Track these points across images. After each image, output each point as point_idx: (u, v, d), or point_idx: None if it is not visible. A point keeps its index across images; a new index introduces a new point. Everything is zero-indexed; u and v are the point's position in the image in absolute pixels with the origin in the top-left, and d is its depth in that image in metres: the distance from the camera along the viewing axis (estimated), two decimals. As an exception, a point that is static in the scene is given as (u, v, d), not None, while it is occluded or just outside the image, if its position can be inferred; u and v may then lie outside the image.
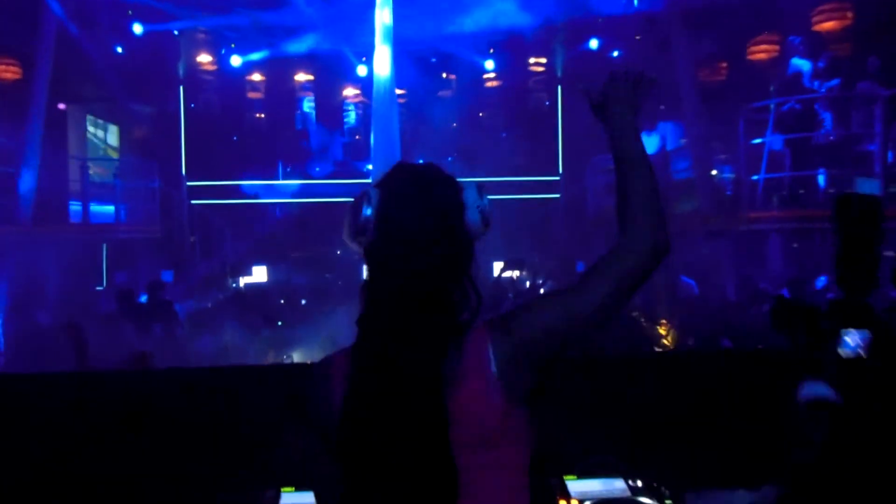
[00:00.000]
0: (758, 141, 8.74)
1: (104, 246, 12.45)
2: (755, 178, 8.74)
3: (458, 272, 1.37)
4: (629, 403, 2.79)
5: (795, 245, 9.65)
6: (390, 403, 1.28)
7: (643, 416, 2.72)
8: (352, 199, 1.37)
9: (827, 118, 8.41)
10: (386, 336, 1.32)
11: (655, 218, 1.38)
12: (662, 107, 12.16)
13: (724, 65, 12.18)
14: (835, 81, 8.44)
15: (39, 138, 9.44)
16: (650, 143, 11.79)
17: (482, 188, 1.41)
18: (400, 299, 1.33)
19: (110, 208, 12.47)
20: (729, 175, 11.28)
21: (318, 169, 15.00)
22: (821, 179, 8.52)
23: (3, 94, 10.43)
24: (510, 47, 12.89)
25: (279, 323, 8.54)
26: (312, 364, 1.44)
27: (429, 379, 1.28)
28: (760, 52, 11.02)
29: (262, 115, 15.05)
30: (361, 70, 13.33)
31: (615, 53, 12.93)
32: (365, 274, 1.41)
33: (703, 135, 10.27)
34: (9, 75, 10.88)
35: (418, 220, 1.35)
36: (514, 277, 10.30)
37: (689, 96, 10.16)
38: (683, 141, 11.70)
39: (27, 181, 9.38)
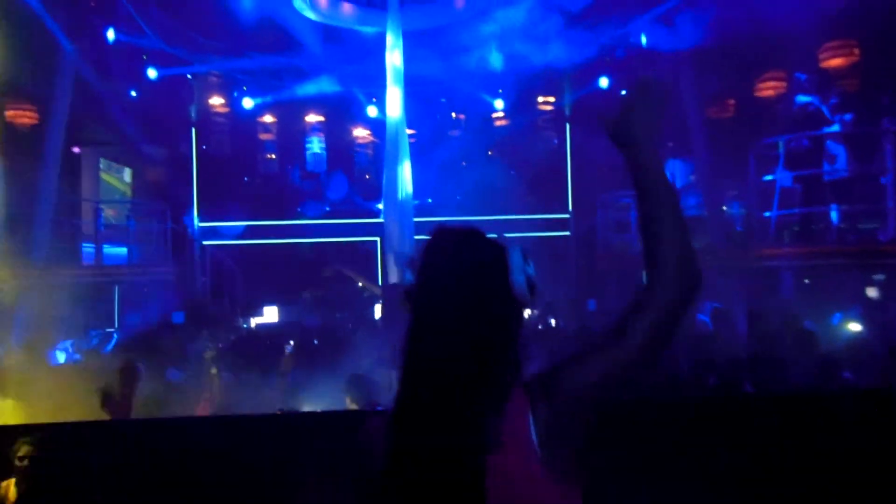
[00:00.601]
0: (769, 178, 8.74)
1: (116, 287, 12.49)
2: (767, 214, 8.73)
3: (505, 339, 1.32)
4: (687, 453, 2.60)
5: (807, 280, 9.59)
6: (428, 474, 1.23)
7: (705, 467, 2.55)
8: (394, 260, 1.39)
9: (840, 153, 8.41)
10: (428, 405, 1.27)
11: (686, 250, 1.31)
12: (671, 144, 12.21)
13: (732, 101, 12.25)
14: (847, 116, 8.46)
15: (54, 181, 9.53)
16: (659, 181, 11.80)
17: (527, 254, 1.37)
18: (444, 368, 1.27)
19: (123, 250, 12.56)
20: (739, 211, 11.29)
21: (328, 209, 15.11)
22: (833, 215, 8.49)
23: (20, 139, 10.58)
24: (519, 87, 13.02)
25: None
26: (358, 419, 1.43)
27: (468, 451, 1.22)
28: (768, 88, 11.09)
29: (274, 156, 15.20)
30: (372, 111, 13.48)
31: (624, 91, 13.05)
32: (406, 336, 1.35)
33: (713, 171, 10.29)
34: (26, 120, 11.06)
35: (463, 288, 1.30)
36: (526, 315, 10.27)
37: (698, 133, 10.21)
38: (692, 177, 11.72)
39: (42, 223, 9.45)
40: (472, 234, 1.39)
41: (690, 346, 5.73)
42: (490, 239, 1.39)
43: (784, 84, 11.05)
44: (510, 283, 1.31)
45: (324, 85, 12.86)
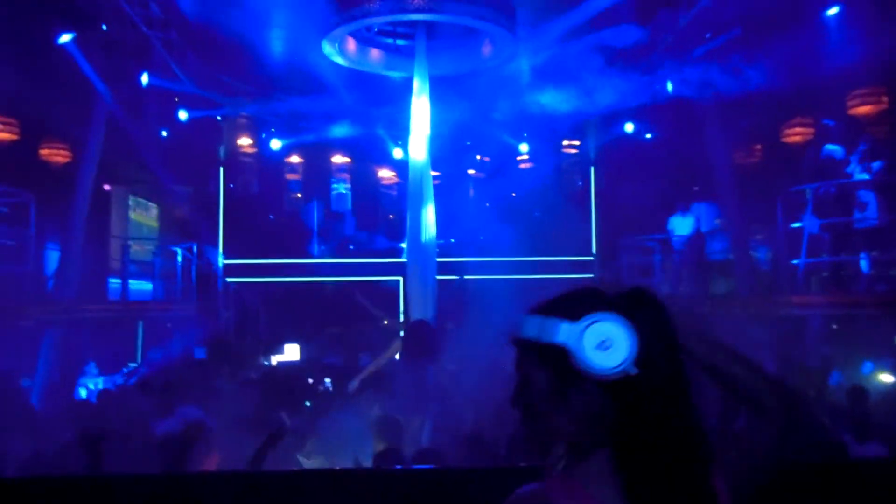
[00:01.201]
0: (796, 225, 8.65)
1: (140, 323, 12.61)
2: (795, 261, 8.62)
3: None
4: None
5: (835, 326, 9.42)
6: None
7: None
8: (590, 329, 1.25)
9: (871, 201, 8.31)
10: (658, 481, 1.21)
11: (772, 384, 1.39)
12: (696, 188, 12.17)
13: (759, 147, 12.21)
14: (876, 164, 8.38)
15: (84, 218, 9.70)
16: (685, 225, 11.74)
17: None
18: (675, 440, 1.23)
19: (148, 285, 12.71)
20: (765, 257, 11.17)
21: (352, 248, 15.20)
22: (863, 264, 8.36)
23: (53, 177, 10.82)
24: (544, 130, 13.11)
25: (307, 403, 8.42)
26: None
27: None
28: (795, 135, 11.05)
29: (299, 196, 15.37)
30: (397, 152, 13.62)
31: (648, 136, 13.05)
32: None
33: (739, 216, 10.21)
34: (59, 159, 11.32)
35: (676, 354, 1.27)
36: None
37: (725, 177, 10.17)
38: (718, 221, 11.64)
39: (71, 259, 9.60)
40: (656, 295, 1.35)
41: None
42: None
43: (812, 130, 11.01)
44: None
45: (350, 127, 13.05)
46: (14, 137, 10.12)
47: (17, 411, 6.70)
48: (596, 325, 1.23)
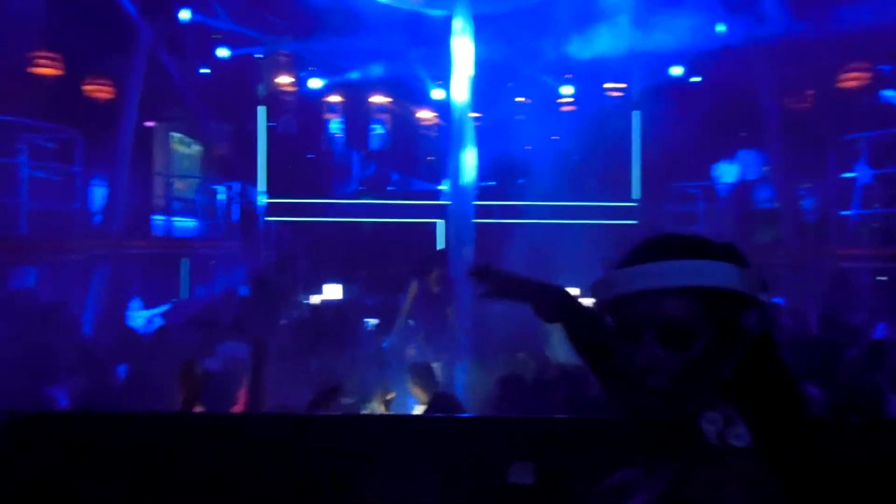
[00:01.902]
0: (849, 175, 8.40)
1: (184, 259, 12.86)
2: (845, 212, 8.40)
3: None
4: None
5: (883, 278, 9.22)
6: None
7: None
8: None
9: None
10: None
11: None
12: (744, 134, 11.84)
13: (811, 92, 11.77)
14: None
15: (129, 155, 9.81)
16: (730, 172, 11.48)
17: None
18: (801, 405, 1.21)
19: (191, 222, 12.92)
20: (812, 207, 10.90)
21: (390, 189, 15.20)
22: (918, 216, 8.13)
23: (97, 112, 10.92)
24: (587, 72, 12.79)
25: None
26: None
27: None
28: (851, 80, 10.59)
29: (339, 135, 15.33)
30: (437, 93, 13.44)
31: (695, 79, 12.67)
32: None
33: (787, 164, 9.94)
34: (103, 94, 11.39)
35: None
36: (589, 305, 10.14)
37: (773, 124, 9.86)
38: (765, 169, 11.35)
39: (117, 195, 9.76)
40: None
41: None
42: None
43: (868, 76, 10.55)
44: None
45: (390, 67, 12.88)
46: (59, 73, 10.19)
47: (72, 342, 6.93)
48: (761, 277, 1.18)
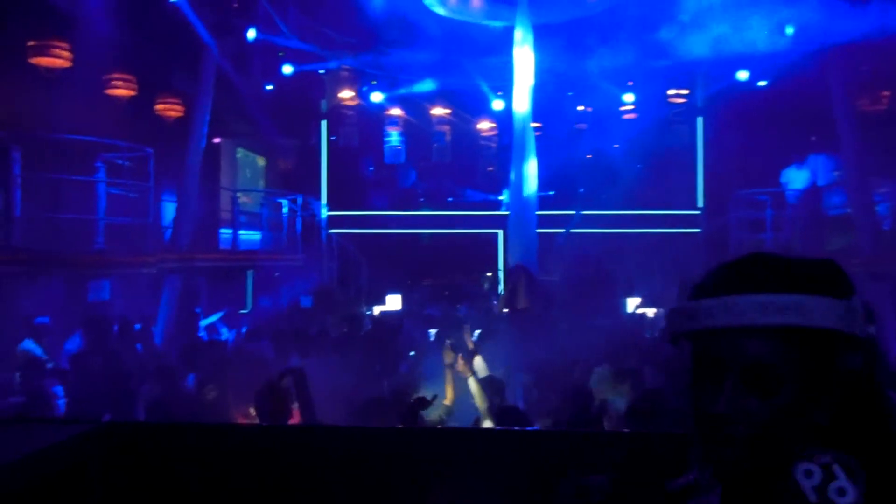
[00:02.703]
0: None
1: (249, 272, 13.16)
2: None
3: None
4: None
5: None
6: None
7: None
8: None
9: None
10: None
11: None
12: (814, 138, 11.48)
13: (887, 93, 11.34)
14: None
15: (197, 170, 10.11)
16: (800, 178, 11.14)
17: None
18: None
19: (257, 235, 13.23)
20: (888, 212, 10.48)
21: (451, 200, 15.27)
22: None
23: (168, 130, 11.31)
24: (650, 80, 12.61)
25: (412, 353, 8.60)
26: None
27: None
28: (928, 80, 10.18)
29: (400, 148, 15.51)
30: (497, 104, 13.45)
31: (762, 83, 12.34)
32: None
33: (861, 168, 9.57)
34: (173, 113, 11.79)
35: None
36: (650, 315, 9.94)
37: (847, 126, 9.52)
38: (836, 174, 10.97)
39: (185, 210, 10.06)
40: None
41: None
42: None
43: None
44: None
45: (450, 78, 12.97)
46: (132, 93, 10.59)
47: (144, 354, 7.16)
48: (865, 309, 1.00)
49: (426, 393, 4.40)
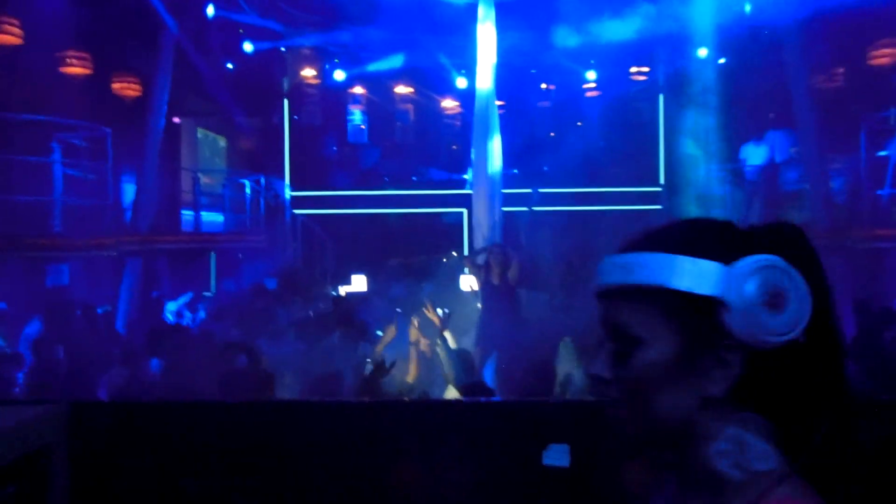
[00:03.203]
0: (882, 153, 8.26)
1: (212, 254, 13.00)
2: (879, 192, 8.26)
3: None
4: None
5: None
6: None
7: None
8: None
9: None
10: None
11: None
12: (772, 115, 11.67)
13: (842, 70, 11.57)
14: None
15: (157, 150, 9.93)
16: (758, 154, 11.33)
17: None
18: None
19: (219, 217, 13.06)
20: (842, 187, 10.73)
21: (415, 179, 15.23)
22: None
23: (126, 109, 11.06)
24: (612, 57, 12.68)
25: (378, 332, 8.61)
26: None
27: None
28: (882, 56, 10.39)
29: (363, 127, 15.41)
30: (461, 82, 13.42)
31: (722, 61, 12.49)
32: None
33: (817, 144, 9.78)
34: (130, 92, 11.54)
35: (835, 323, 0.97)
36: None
37: (803, 104, 9.70)
38: (794, 150, 11.19)
39: (145, 191, 9.89)
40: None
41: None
42: None
43: (900, 52, 10.33)
44: None
45: (413, 57, 12.89)
46: (88, 72, 10.33)
47: (106, 338, 7.06)
48: (763, 272, 0.90)
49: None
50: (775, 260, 0.91)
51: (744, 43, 10.36)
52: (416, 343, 5.37)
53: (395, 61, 13.13)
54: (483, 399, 3.53)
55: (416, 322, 5.49)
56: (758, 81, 10.91)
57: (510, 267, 7.34)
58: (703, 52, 12.27)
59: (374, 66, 13.49)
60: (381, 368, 4.15)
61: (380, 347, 5.37)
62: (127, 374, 5.93)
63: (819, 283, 0.94)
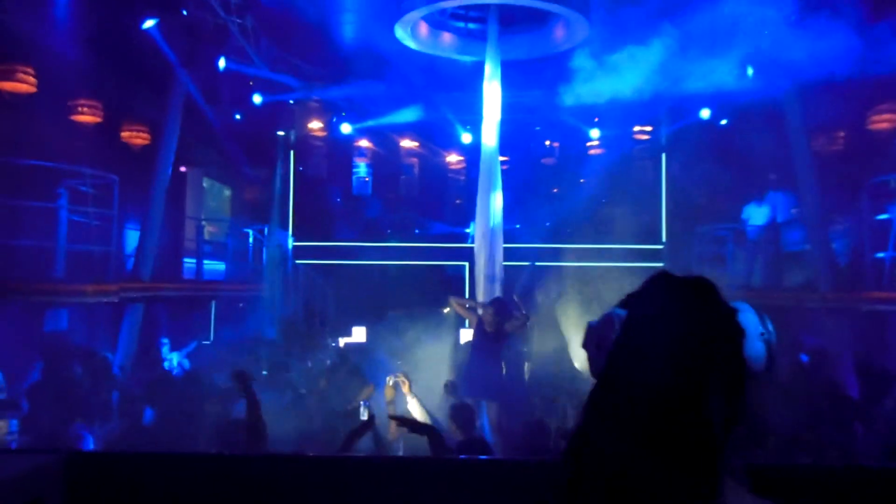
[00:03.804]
0: (883, 216, 8.30)
1: (213, 302, 12.97)
2: (880, 255, 8.27)
3: (727, 419, 1.05)
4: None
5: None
6: None
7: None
8: (599, 321, 1.14)
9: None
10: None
11: None
12: (773, 176, 11.77)
13: (842, 134, 11.72)
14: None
15: (163, 200, 10.01)
16: (760, 214, 11.40)
17: (763, 314, 1.17)
18: (643, 453, 1.02)
19: (221, 265, 13.07)
20: (843, 249, 10.75)
21: (418, 232, 15.29)
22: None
23: (132, 159, 11.18)
24: (615, 116, 12.88)
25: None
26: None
27: None
28: (882, 121, 10.53)
29: (368, 179, 15.55)
30: (466, 137, 13.59)
31: (724, 122, 12.67)
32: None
33: (818, 206, 9.84)
34: (139, 140, 11.69)
35: (680, 350, 1.05)
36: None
37: (803, 166, 9.80)
38: (795, 211, 11.25)
39: (149, 238, 9.93)
40: (696, 282, 1.14)
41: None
42: (717, 290, 1.14)
43: (899, 118, 10.48)
44: (742, 349, 1.10)
45: (420, 111, 13.09)
46: (98, 120, 10.48)
47: (104, 385, 6.99)
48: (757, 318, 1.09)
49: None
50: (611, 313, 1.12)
51: (745, 105, 10.51)
52: (391, 403, 5.35)
53: (402, 116, 13.32)
54: (482, 458, 3.46)
55: (390, 382, 5.46)
56: (759, 143, 11.04)
57: (509, 319, 7.32)
58: (705, 113, 12.46)
59: (381, 121, 13.67)
60: (364, 423, 4.13)
61: (360, 397, 5.33)
62: (123, 424, 5.87)
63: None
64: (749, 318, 1.15)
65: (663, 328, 1.07)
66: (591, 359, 1.13)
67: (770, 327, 1.15)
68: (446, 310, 14.38)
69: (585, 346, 1.15)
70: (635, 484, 1.01)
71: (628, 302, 1.15)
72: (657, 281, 1.15)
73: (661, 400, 1.03)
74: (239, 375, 4.08)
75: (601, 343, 1.10)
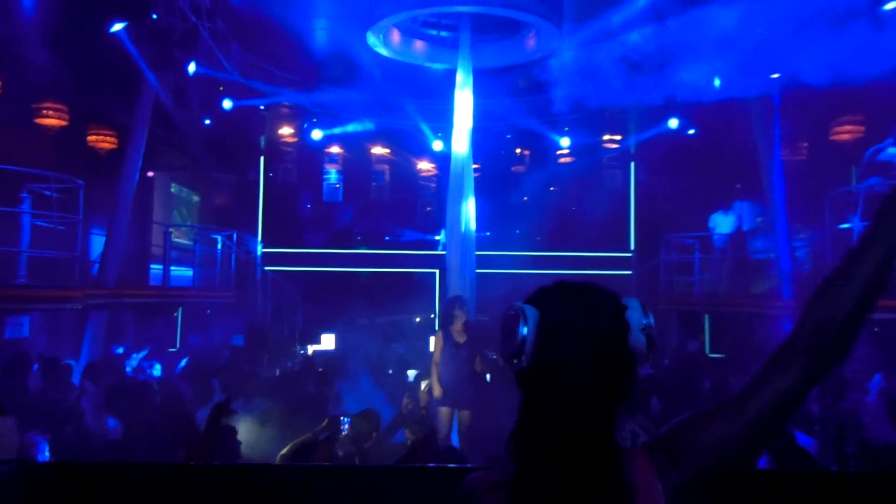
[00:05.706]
0: (845, 226, 8.46)
1: (180, 309, 12.79)
2: (842, 263, 8.40)
3: (619, 399, 1.28)
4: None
5: (877, 330, 9.18)
6: None
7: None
8: (506, 314, 1.32)
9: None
10: (547, 472, 1.24)
11: (837, 317, 1.27)
12: (739, 186, 11.97)
13: (805, 145, 11.96)
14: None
15: (129, 205, 9.85)
16: (726, 223, 11.57)
17: (646, 307, 1.32)
18: (560, 430, 1.25)
19: (188, 272, 12.89)
20: (807, 257, 10.96)
21: (388, 238, 15.26)
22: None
23: (99, 163, 11.02)
24: (585, 124, 13.00)
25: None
26: (459, 490, 1.36)
27: None
28: (845, 132, 10.78)
29: (338, 186, 15.48)
30: (437, 145, 13.61)
31: (691, 132, 12.85)
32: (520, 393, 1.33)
33: (783, 215, 10.02)
34: (106, 145, 11.51)
35: (581, 345, 1.26)
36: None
37: (769, 176, 9.97)
38: (760, 220, 11.44)
39: (115, 244, 9.76)
40: (589, 287, 1.35)
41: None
42: (610, 293, 1.34)
43: (862, 129, 10.73)
44: (629, 339, 1.29)
45: (391, 118, 13.07)
46: (63, 124, 10.31)
47: (65, 393, 6.85)
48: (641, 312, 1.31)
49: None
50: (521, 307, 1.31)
51: (713, 115, 10.68)
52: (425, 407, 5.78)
53: (373, 123, 13.30)
54: (453, 466, 3.45)
55: (423, 387, 5.87)
56: (726, 152, 11.22)
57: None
58: (673, 123, 12.63)
59: (352, 127, 13.63)
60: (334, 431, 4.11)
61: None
62: (82, 432, 5.75)
63: (556, 325, 1.28)
64: (634, 313, 1.30)
65: (568, 327, 1.28)
66: (501, 343, 1.31)
67: (651, 319, 1.30)
68: (418, 318, 14.40)
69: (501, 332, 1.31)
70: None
71: (536, 301, 1.33)
72: (558, 287, 1.35)
73: (580, 397, 1.25)
74: (218, 408, 3.96)
75: (510, 331, 1.29)
